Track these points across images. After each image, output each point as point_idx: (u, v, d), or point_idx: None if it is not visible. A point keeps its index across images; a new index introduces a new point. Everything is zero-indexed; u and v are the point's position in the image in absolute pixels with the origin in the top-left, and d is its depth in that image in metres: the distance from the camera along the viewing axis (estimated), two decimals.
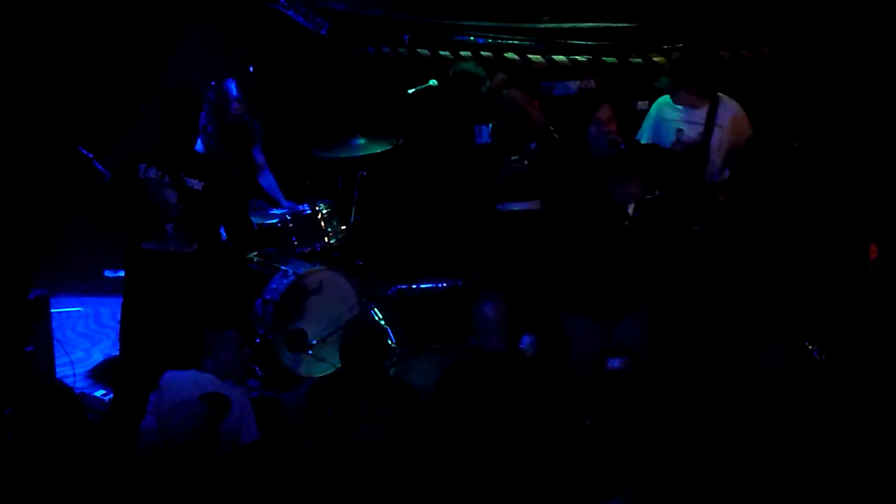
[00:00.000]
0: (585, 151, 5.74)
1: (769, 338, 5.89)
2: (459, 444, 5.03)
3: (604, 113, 5.70)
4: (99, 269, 8.47)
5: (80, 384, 7.13)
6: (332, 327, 7.18)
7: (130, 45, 7.44)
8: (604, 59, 8.02)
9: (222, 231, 6.14)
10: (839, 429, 5.04)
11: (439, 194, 8.06)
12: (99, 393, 7.07)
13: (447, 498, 4.97)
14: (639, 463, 4.96)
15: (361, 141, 7.69)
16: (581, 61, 8.08)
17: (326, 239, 7.50)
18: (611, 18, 8.02)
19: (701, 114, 6.59)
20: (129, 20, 7.32)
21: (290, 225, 7.46)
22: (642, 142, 6.59)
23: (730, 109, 6.62)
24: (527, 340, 6.99)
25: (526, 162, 6.42)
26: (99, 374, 7.38)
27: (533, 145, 6.32)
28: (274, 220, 7.51)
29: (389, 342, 7.36)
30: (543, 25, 8.17)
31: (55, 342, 6.93)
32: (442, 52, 8.20)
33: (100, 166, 7.18)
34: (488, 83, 7.28)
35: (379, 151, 7.61)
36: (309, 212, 7.49)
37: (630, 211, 5.74)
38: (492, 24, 8.23)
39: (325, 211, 7.51)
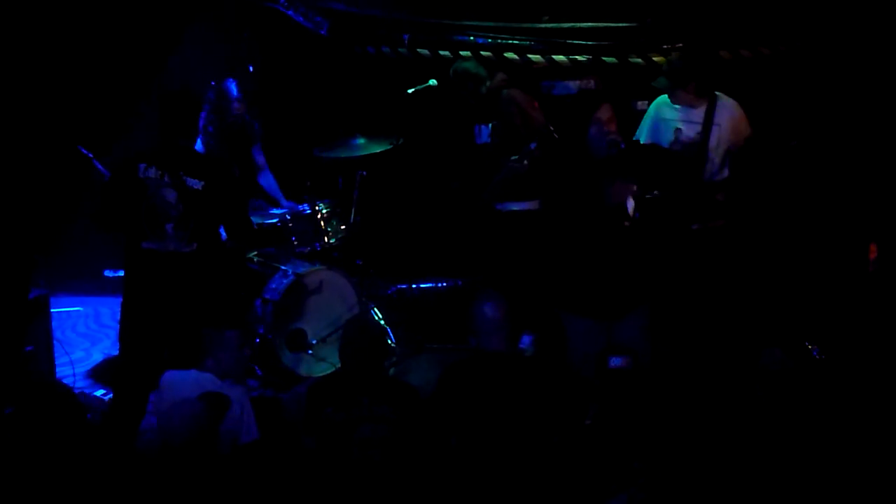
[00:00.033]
0: (585, 151, 5.74)
1: (769, 338, 5.89)
2: (459, 444, 5.02)
3: (604, 113, 5.69)
4: (99, 269, 8.47)
5: (80, 384, 7.13)
6: (331, 327, 7.18)
7: (130, 45, 7.45)
8: (604, 59, 8.02)
9: (222, 231, 6.14)
10: (839, 429, 5.04)
11: (439, 194, 8.06)
12: (99, 393, 7.08)
13: (447, 498, 4.97)
14: (640, 462, 4.96)
15: (361, 141, 7.70)
16: (581, 61, 8.08)
17: (326, 239, 7.50)
18: (611, 18, 8.03)
19: (699, 113, 6.60)
20: (129, 20, 7.33)
21: (290, 225, 7.46)
22: (641, 142, 6.60)
23: (728, 109, 6.63)
24: (527, 340, 6.99)
25: (526, 162, 6.42)
26: (99, 373, 7.39)
27: (533, 145, 6.32)
28: (274, 220, 7.50)
29: (389, 342, 7.36)
30: (543, 25, 8.18)
31: (55, 342, 6.93)
32: (442, 52, 8.20)
33: (100, 166, 7.18)
34: (488, 83, 7.29)
35: (379, 151, 7.61)
36: (309, 212, 7.49)
37: (630, 211, 5.74)
38: (492, 24, 8.23)
39: (325, 211, 7.51)
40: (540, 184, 6.51)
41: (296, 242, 7.46)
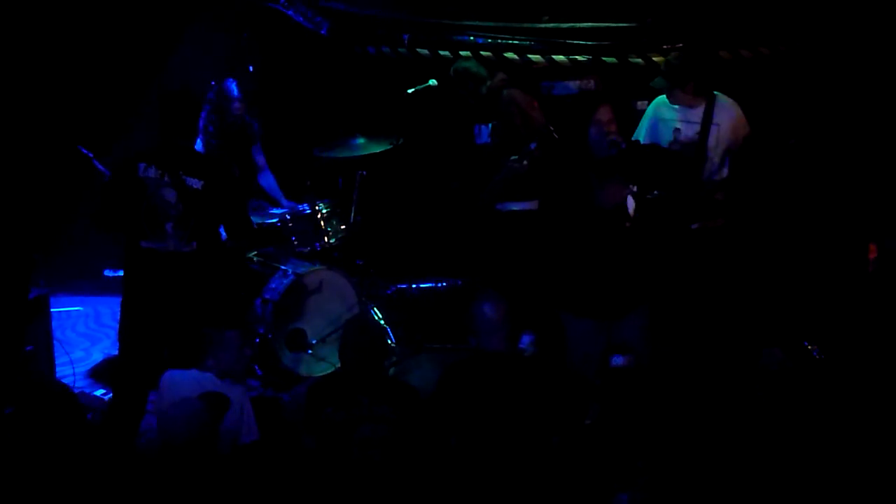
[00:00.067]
0: (585, 152, 5.74)
1: (769, 338, 5.90)
2: (459, 444, 5.02)
3: (604, 114, 5.69)
4: (99, 268, 8.48)
5: (80, 384, 7.13)
6: (331, 327, 7.18)
7: (130, 44, 7.46)
8: (604, 59, 8.02)
9: (222, 230, 6.14)
10: (839, 429, 5.04)
11: (439, 194, 8.05)
12: (99, 392, 7.08)
13: (447, 498, 4.97)
14: (643, 461, 4.96)
15: (361, 141, 7.70)
16: (581, 61, 8.08)
17: (326, 239, 7.50)
18: (611, 18, 8.03)
19: (697, 113, 6.60)
20: (129, 20, 7.34)
21: (290, 225, 7.46)
22: (640, 142, 6.59)
23: (726, 108, 6.63)
24: (526, 340, 6.99)
25: (526, 162, 6.42)
26: (99, 373, 7.39)
27: (533, 145, 6.32)
28: (274, 220, 7.51)
29: (389, 342, 7.36)
30: (543, 25, 8.17)
31: (55, 342, 6.94)
32: (442, 52, 8.20)
33: (100, 166, 7.19)
34: (488, 83, 7.28)
35: (379, 151, 7.61)
36: (309, 212, 7.50)
37: (631, 211, 5.74)
38: (492, 24, 8.23)
39: (324, 211, 7.52)
40: (540, 184, 6.51)
41: (296, 242, 7.46)
